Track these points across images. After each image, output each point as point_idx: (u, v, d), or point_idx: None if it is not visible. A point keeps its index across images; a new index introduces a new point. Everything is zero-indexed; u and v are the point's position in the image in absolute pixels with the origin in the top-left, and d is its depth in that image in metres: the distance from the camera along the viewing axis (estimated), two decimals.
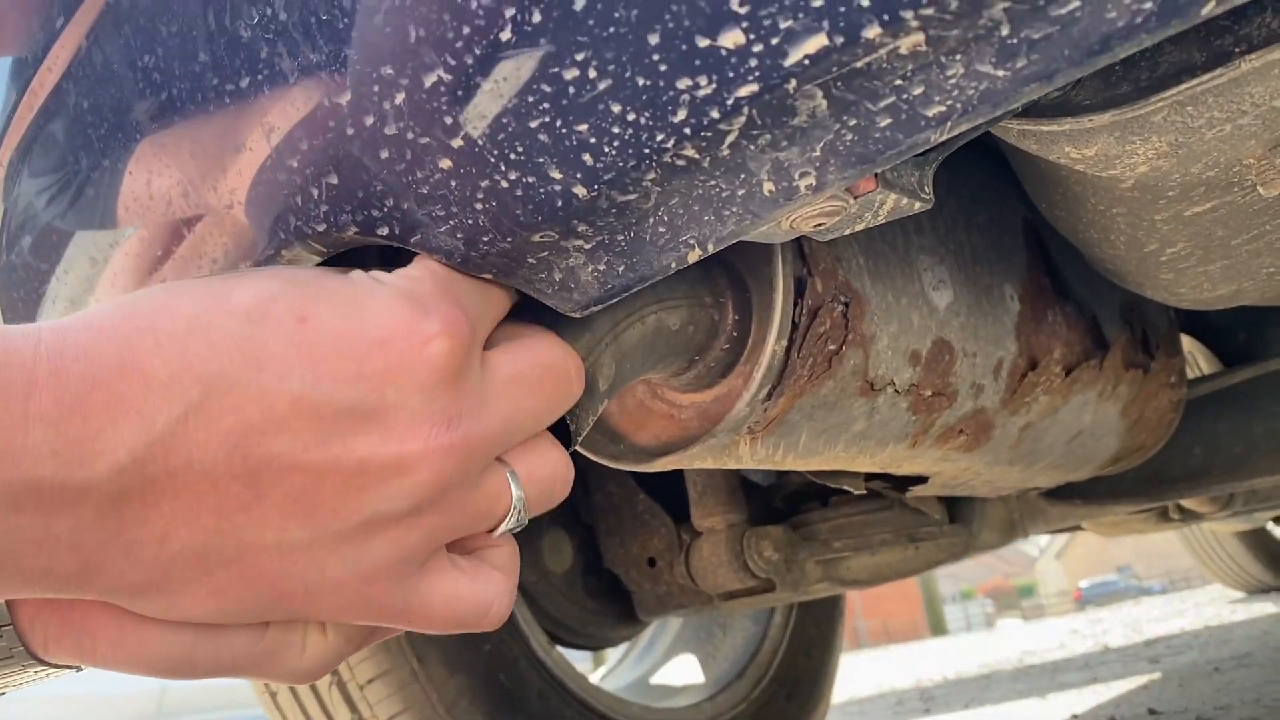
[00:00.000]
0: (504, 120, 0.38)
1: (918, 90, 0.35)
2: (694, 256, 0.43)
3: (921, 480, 0.98)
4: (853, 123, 0.36)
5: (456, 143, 0.39)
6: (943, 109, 0.35)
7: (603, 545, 1.33)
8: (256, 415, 0.36)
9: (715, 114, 0.36)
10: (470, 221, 0.41)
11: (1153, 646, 4.06)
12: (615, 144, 0.37)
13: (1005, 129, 0.50)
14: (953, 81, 0.34)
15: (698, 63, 0.34)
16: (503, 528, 0.44)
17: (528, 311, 0.48)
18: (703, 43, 0.34)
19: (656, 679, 1.55)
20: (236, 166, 0.45)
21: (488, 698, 1.10)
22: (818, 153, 0.37)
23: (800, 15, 0.32)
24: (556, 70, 0.36)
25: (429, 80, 0.38)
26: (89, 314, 0.36)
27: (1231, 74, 0.42)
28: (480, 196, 0.40)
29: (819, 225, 0.43)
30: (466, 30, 0.36)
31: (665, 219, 0.41)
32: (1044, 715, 2.61)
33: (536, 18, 0.35)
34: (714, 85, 0.35)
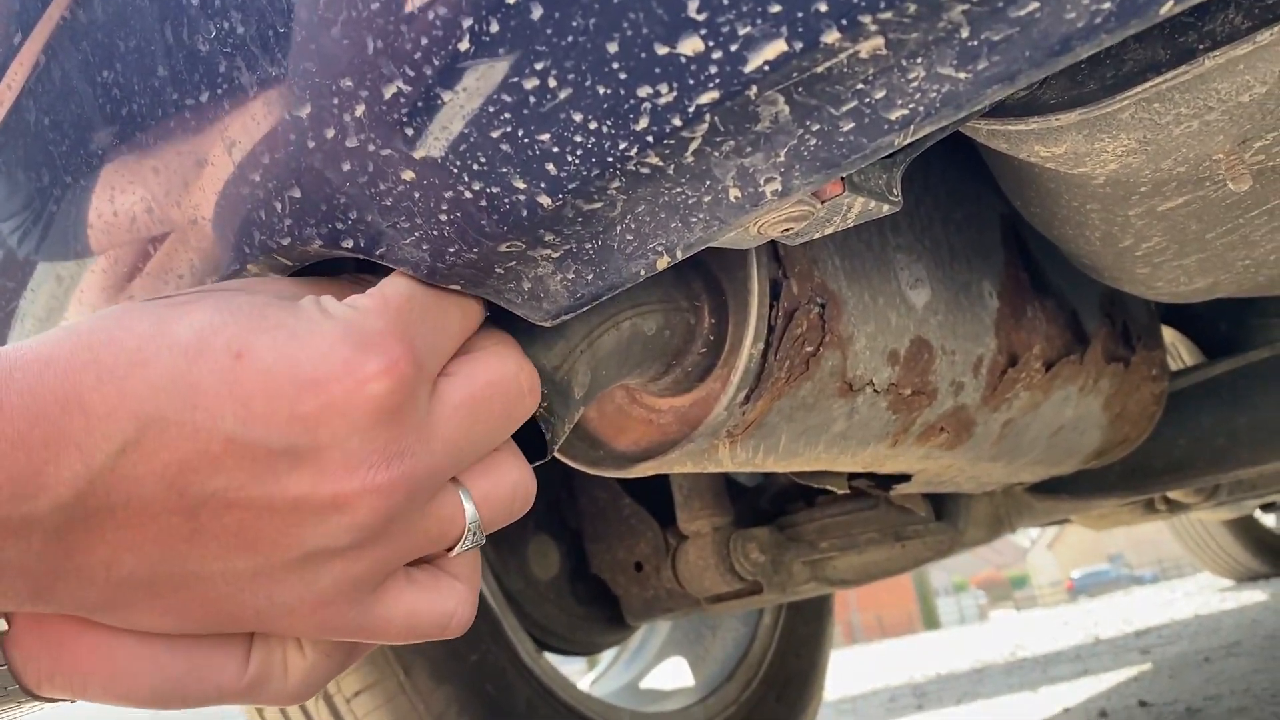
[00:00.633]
0: (465, 131, 0.38)
1: (880, 94, 0.35)
2: (663, 264, 0.43)
3: (905, 478, 0.98)
4: (816, 127, 0.36)
5: (419, 154, 0.39)
6: (905, 112, 0.35)
7: (589, 550, 1.32)
8: (191, 453, 0.36)
9: (677, 121, 0.35)
10: (435, 233, 0.41)
11: (1143, 637, 4.07)
12: (578, 153, 0.37)
13: (974, 129, 0.50)
14: (915, 84, 0.34)
15: (658, 70, 0.34)
16: (459, 549, 0.43)
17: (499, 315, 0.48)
18: (662, 50, 0.34)
19: (646, 683, 1.54)
20: (200, 182, 0.45)
21: (475, 708, 1.09)
22: (782, 158, 0.37)
23: (759, 21, 0.32)
24: (516, 80, 0.36)
25: (388, 92, 0.38)
26: (43, 340, 0.36)
27: (1197, 70, 0.41)
28: (445, 208, 0.40)
29: (787, 230, 0.43)
30: (424, 41, 0.36)
31: (632, 227, 0.41)
32: (1036, 709, 2.62)
33: (494, 28, 0.35)
34: (675, 93, 0.34)
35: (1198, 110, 0.45)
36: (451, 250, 0.42)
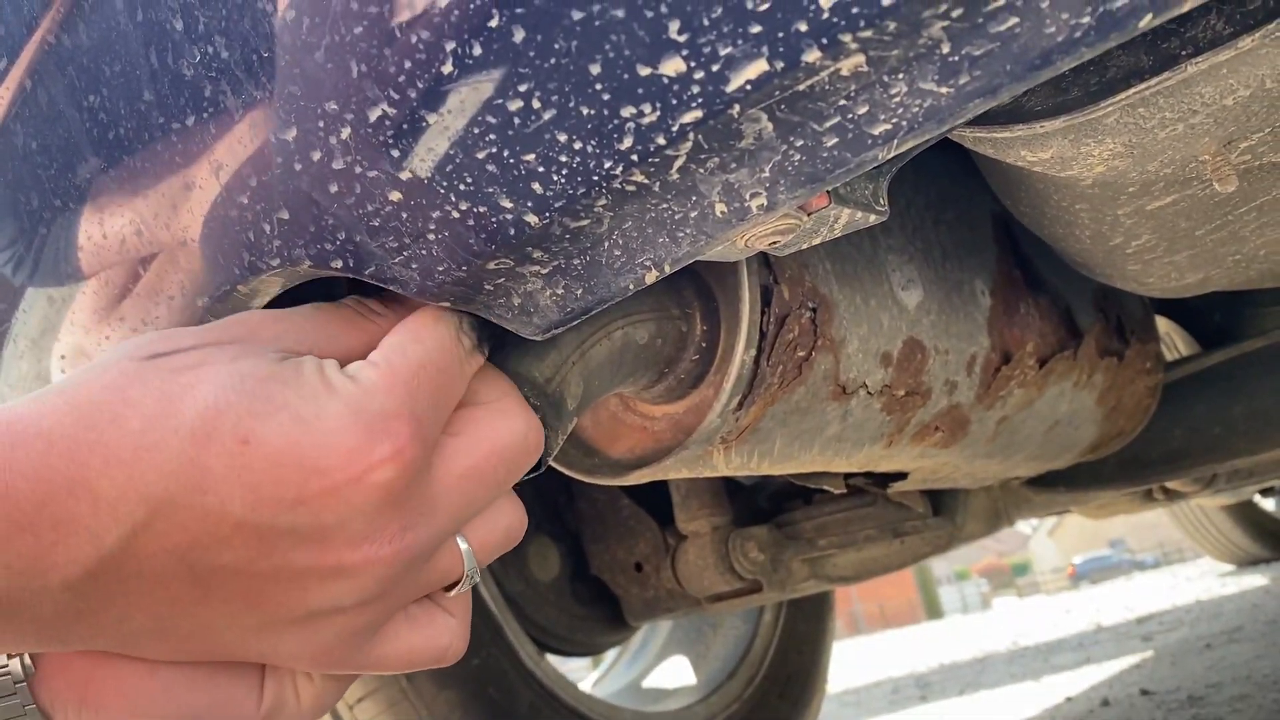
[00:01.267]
0: (451, 152, 0.38)
1: (862, 109, 0.35)
2: (651, 278, 0.43)
3: (902, 476, 0.98)
4: (799, 143, 0.36)
5: (405, 175, 0.39)
6: (888, 127, 0.35)
7: (589, 552, 1.32)
8: (201, 534, 0.37)
9: (661, 140, 0.35)
10: (424, 252, 0.41)
11: (1145, 624, 4.08)
12: (564, 172, 0.37)
13: (960, 135, 0.50)
14: (897, 100, 0.34)
15: (640, 91, 0.34)
16: (456, 591, 0.45)
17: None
18: (644, 71, 0.34)
19: (649, 682, 1.55)
20: (188, 204, 0.45)
21: (478, 712, 1.09)
22: (767, 173, 0.37)
23: (739, 42, 0.32)
24: (501, 101, 0.36)
25: (374, 114, 0.38)
26: (41, 410, 0.36)
27: (1180, 76, 0.42)
28: (432, 227, 0.40)
29: (774, 243, 0.43)
30: (408, 64, 0.36)
31: (620, 242, 0.41)
32: (1038, 699, 2.63)
33: (477, 50, 0.35)
34: (658, 112, 0.35)
35: (1182, 114, 0.45)
36: (440, 269, 0.42)
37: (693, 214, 0.39)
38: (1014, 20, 0.31)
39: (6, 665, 0.39)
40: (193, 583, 0.38)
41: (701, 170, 0.37)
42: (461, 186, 0.39)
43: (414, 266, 0.42)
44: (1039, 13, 0.31)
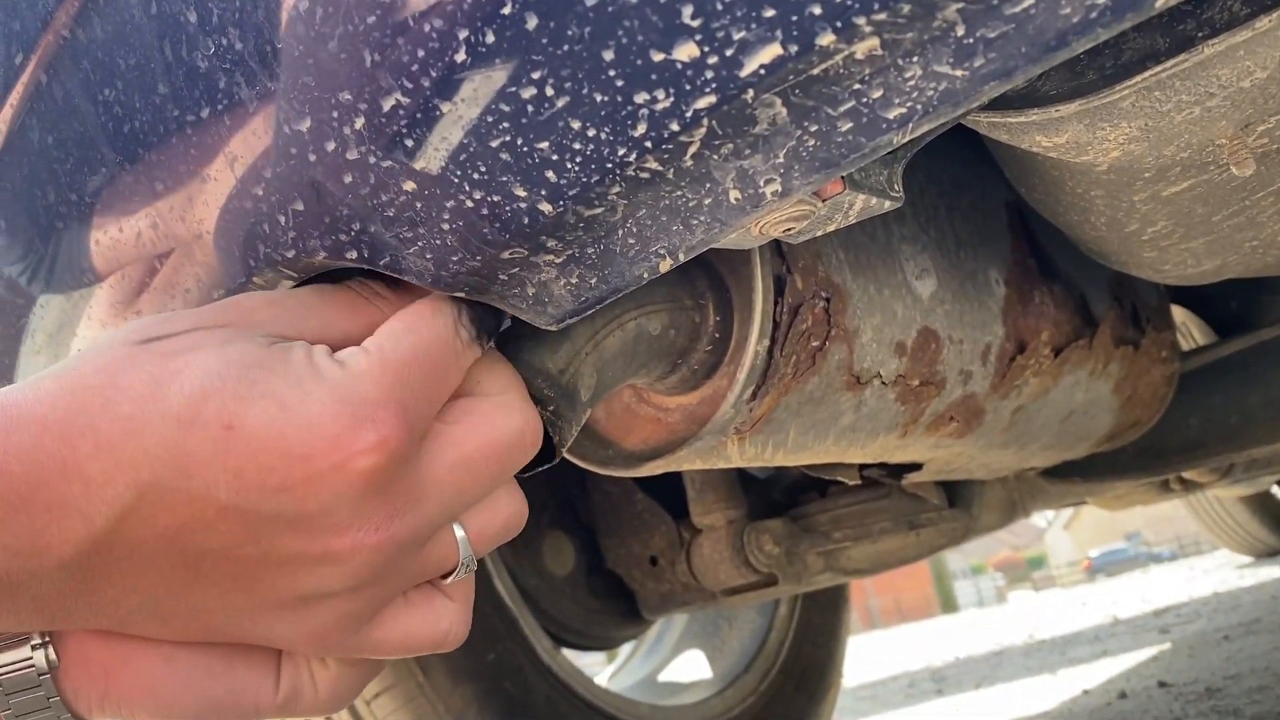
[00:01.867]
0: (465, 141, 0.38)
1: (877, 93, 0.35)
2: (665, 266, 0.43)
3: (917, 467, 0.98)
4: (814, 128, 0.36)
5: (419, 165, 0.39)
6: (903, 110, 0.35)
7: (604, 546, 1.33)
8: (187, 518, 0.37)
9: (675, 126, 0.35)
10: (438, 242, 0.41)
11: (1162, 616, 4.07)
12: (578, 160, 0.37)
13: (975, 121, 0.50)
14: (911, 83, 0.34)
15: (654, 77, 0.34)
16: (451, 579, 0.45)
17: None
18: (657, 57, 0.34)
19: (664, 676, 1.55)
20: (203, 197, 0.45)
21: (495, 706, 1.09)
22: (781, 159, 0.37)
23: (753, 26, 0.32)
24: (514, 89, 0.36)
25: (387, 104, 0.38)
26: (36, 395, 0.37)
27: (1196, 58, 0.41)
28: (447, 217, 0.40)
29: (789, 230, 0.43)
30: (421, 53, 0.36)
31: (634, 231, 0.41)
32: (1055, 692, 2.62)
33: (490, 38, 0.35)
34: (672, 98, 0.35)
35: (1199, 97, 0.45)
36: (455, 259, 0.42)
37: (707, 201, 0.39)
38: (1029, 1, 0.31)
39: (31, 659, 0.40)
40: (183, 565, 0.38)
41: (715, 156, 0.37)
42: (475, 175, 0.39)
43: (428, 257, 0.42)
44: None
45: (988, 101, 0.44)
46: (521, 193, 0.39)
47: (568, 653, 1.32)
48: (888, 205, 0.44)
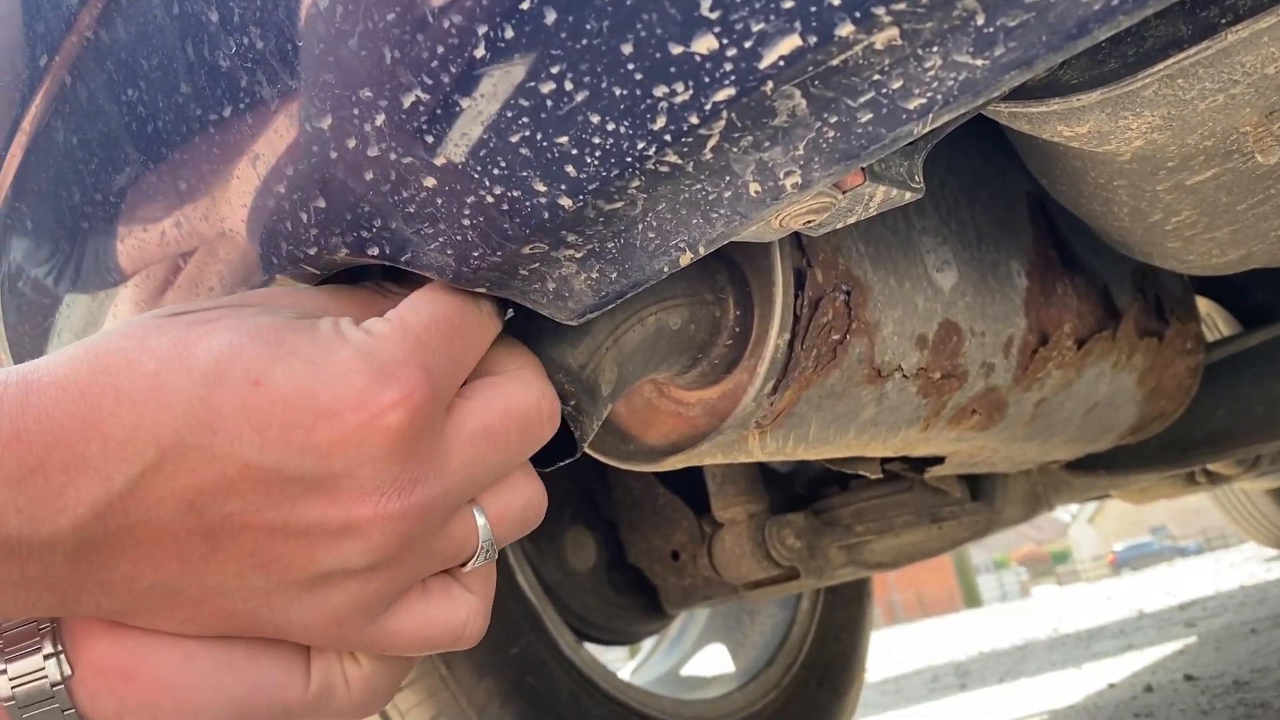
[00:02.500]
0: (485, 136, 0.38)
1: (896, 84, 0.35)
2: (686, 260, 0.43)
3: (939, 460, 0.98)
4: (834, 120, 0.36)
5: (439, 161, 0.39)
6: (923, 101, 0.35)
7: (625, 540, 1.33)
8: (209, 478, 0.37)
9: (694, 119, 0.35)
10: (459, 237, 0.41)
11: (1188, 610, 4.04)
12: (597, 154, 0.37)
13: (995, 111, 0.50)
14: (931, 73, 0.34)
15: (673, 70, 0.34)
16: (471, 565, 0.44)
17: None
18: (676, 50, 0.34)
19: (687, 670, 1.55)
20: (226, 195, 0.45)
21: (518, 700, 1.10)
22: (801, 151, 0.37)
23: (772, 17, 0.32)
24: (533, 84, 0.36)
25: (407, 101, 0.38)
26: (60, 360, 0.37)
27: (1219, 45, 0.41)
28: (467, 212, 0.40)
29: (809, 222, 0.43)
30: (441, 49, 0.36)
31: (654, 224, 0.41)
32: (1080, 686, 2.60)
33: (509, 33, 0.35)
34: (691, 91, 0.35)
35: (1222, 84, 0.44)
36: (475, 254, 0.42)
37: (726, 194, 0.39)
38: None
39: (43, 669, 0.39)
40: (201, 534, 0.37)
41: (735, 149, 0.37)
42: (495, 171, 0.39)
43: (449, 252, 0.42)
44: None
45: (1008, 91, 0.44)
46: (541, 187, 0.39)
47: (590, 648, 1.33)
48: (908, 196, 0.44)
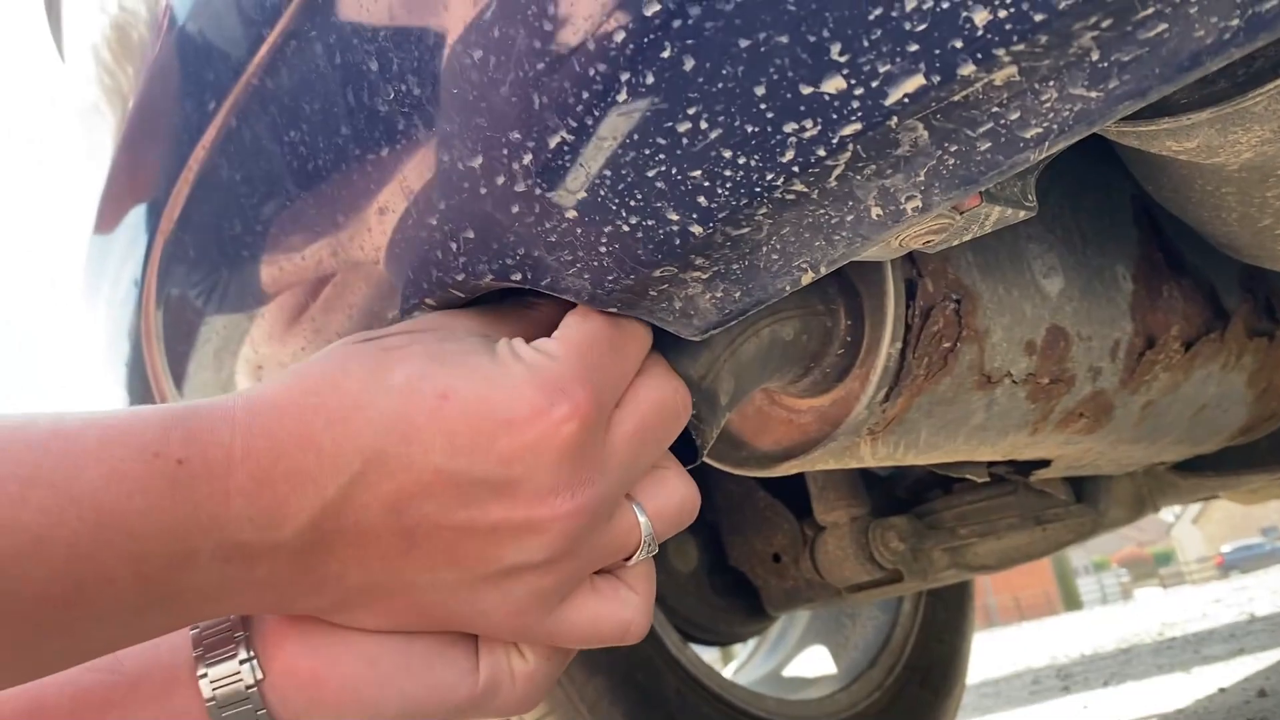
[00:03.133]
0: (622, 171, 0.41)
1: (1014, 115, 0.37)
2: (807, 279, 0.45)
3: (1045, 464, 0.98)
4: (954, 149, 0.38)
5: (580, 195, 0.42)
6: (1040, 130, 0.37)
7: (727, 543, 1.35)
8: (407, 483, 0.41)
9: (822, 152, 0.38)
10: (595, 264, 0.45)
11: None
12: (728, 185, 0.40)
13: (1104, 129, 0.51)
14: (1048, 105, 0.36)
15: (802, 109, 0.37)
16: (636, 558, 0.48)
17: None
18: (806, 90, 0.36)
19: (789, 671, 1.57)
20: (381, 226, 0.49)
21: (627, 698, 1.13)
22: (922, 178, 0.39)
23: (898, 59, 0.35)
24: (670, 124, 0.39)
25: (553, 142, 0.41)
26: (274, 387, 0.42)
27: None
28: (604, 240, 0.44)
29: (928, 241, 0.45)
30: (585, 95, 0.40)
31: (778, 247, 0.44)
32: (1189, 690, 2.54)
33: (650, 79, 0.38)
34: (819, 127, 0.37)
35: None
36: (610, 278, 0.45)
37: (849, 218, 0.42)
38: (1163, 26, 0.33)
39: (239, 673, 0.44)
40: (400, 534, 0.42)
41: (859, 177, 0.39)
42: (632, 202, 0.42)
43: (586, 277, 0.45)
44: (1187, 18, 0.33)
45: None
46: (674, 216, 0.42)
47: (694, 648, 1.35)
48: (1022, 215, 0.46)
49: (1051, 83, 0.35)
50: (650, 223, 0.42)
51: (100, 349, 0.84)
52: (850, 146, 0.38)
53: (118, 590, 0.38)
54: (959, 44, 0.34)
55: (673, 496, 0.48)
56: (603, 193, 0.42)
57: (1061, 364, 0.76)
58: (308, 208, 0.52)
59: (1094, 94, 0.35)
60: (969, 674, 1.67)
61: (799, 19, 0.35)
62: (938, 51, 0.34)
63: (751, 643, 1.68)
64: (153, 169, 0.61)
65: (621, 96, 0.39)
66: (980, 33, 0.33)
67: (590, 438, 0.43)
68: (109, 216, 0.68)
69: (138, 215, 0.66)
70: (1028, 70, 0.35)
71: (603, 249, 0.44)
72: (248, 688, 0.44)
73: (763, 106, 0.37)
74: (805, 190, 0.40)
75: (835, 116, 0.37)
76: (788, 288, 0.46)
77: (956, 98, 0.36)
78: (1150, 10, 0.33)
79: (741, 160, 0.39)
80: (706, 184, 0.40)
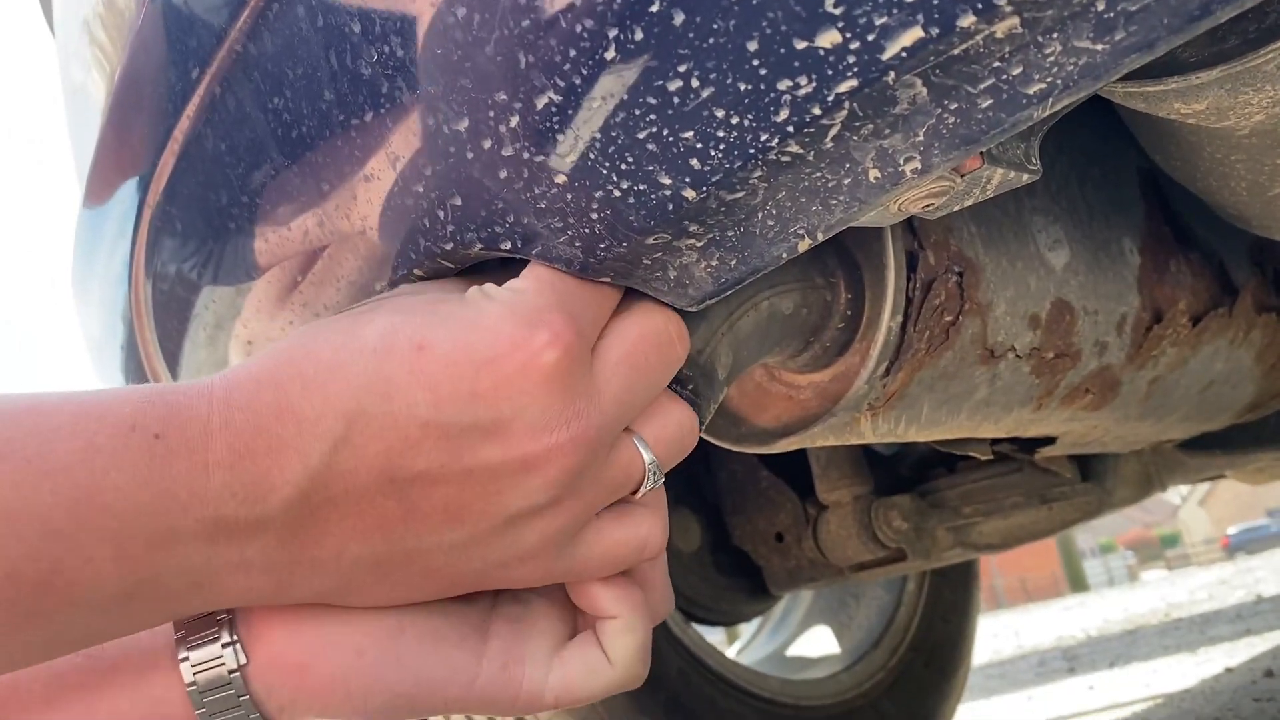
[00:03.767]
0: (613, 133, 0.40)
1: (1016, 70, 0.35)
2: (804, 246, 0.44)
3: (1050, 441, 0.97)
4: (954, 106, 0.37)
5: (570, 159, 0.41)
6: (1043, 86, 0.36)
7: (729, 523, 1.34)
8: (394, 441, 0.40)
9: (817, 110, 0.37)
10: (587, 230, 0.43)
11: None
12: (721, 147, 0.39)
13: (1110, 90, 0.50)
14: (1051, 59, 0.35)
15: (797, 64, 0.36)
16: (643, 490, 0.46)
17: None
18: (800, 45, 0.35)
19: (792, 651, 1.56)
20: (367, 195, 0.48)
21: None
22: (921, 137, 0.38)
23: (895, 10, 0.33)
24: (661, 83, 0.38)
25: (540, 102, 0.40)
26: (250, 363, 0.41)
27: None
28: (595, 207, 0.42)
29: (928, 206, 0.44)
30: (573, 53, 0.38)
31: (774, 212, 0.42)
32: (1195, 670, 2.54)
33: (639, 35, 0.37)
34: (814, 84, 0.36)
35: None
36: (602, 245, 0.44)
37: (846, 180, 0.41)
38: None
39: (221, 657, 0.42)
40: (396, 497, 0.40)
41: (856, 137, 0.38)
42: (623, 166, 0.41)
43: (577, 245, 0.44)
44: None
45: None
46: (666, 180, 0.41)
47: (696, 628, 1.35)
48: (1025, 178, 0.45)
49: (1055, 35, 0.34)
50: (642, 187, 0.41)
51: (94, 330, 0.83)
52: (846, 104, 0.36)
53: (97, 571, 0.37)
54: None
55: (670, 422, 0.47)
56: (592, 156, 0.41)
57: (1067, 338, 0.74)
58: (294, 177, 0.51)
59: (1100, 46, 0.34)
60: (975, 655, 1.67)
61: None
62: (936, 2, 0.33)
63: (755, 622, 1.68)
64: (139, 140, 0.60)
65: (610, 54, 0.38)
66: None
67: (575, 365, 0.42)
68: (98, 189, 0.67)
69: (127, 189, 0.65)
70: (1030, 21, 0.33)
71: (594, 215, 0.43)
72: (230, 672, 0.42)
73: (755, 63, 0.36)
74: (801, 152, 0.39)
75: (830, 72, 0.35)
76: (784, 255, 0.45)
77: (956, 51, 0.34)
78: None
79: (735, 120, 0.38)
80: (699, 146, 0.39)
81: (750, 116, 0.38)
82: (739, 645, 1.68)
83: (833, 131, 0.38)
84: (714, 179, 0.40)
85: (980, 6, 0.33)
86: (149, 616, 0.40)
